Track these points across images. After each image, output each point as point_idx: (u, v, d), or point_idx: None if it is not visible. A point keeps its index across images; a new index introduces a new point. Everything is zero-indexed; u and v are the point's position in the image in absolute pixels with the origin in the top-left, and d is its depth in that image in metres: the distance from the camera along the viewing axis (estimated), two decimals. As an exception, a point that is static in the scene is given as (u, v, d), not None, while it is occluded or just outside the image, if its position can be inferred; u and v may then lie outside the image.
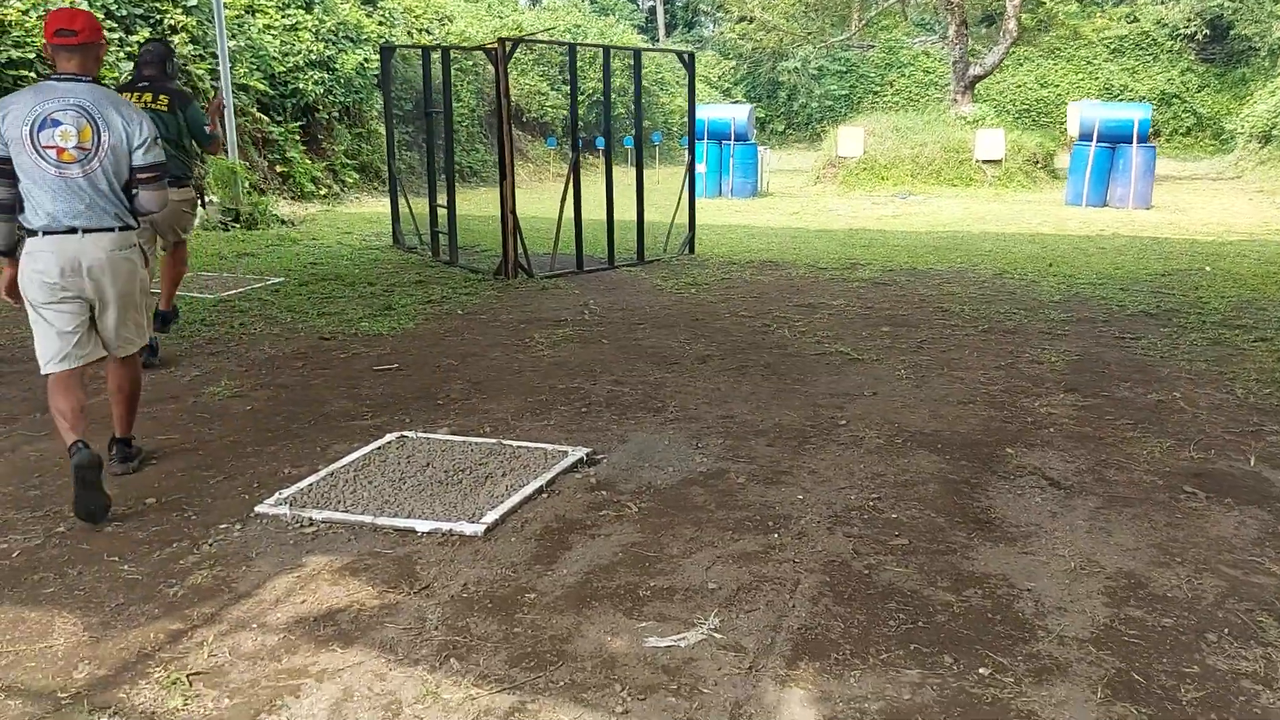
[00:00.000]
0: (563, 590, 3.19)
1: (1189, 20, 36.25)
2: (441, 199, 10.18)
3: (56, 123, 3.76)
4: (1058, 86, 38.95)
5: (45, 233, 3.80)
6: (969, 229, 13.66)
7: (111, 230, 3.89)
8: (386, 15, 18.73)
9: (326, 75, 16.00)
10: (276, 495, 3.92)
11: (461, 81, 20.80)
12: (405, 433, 4.69)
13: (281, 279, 8.99)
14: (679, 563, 3.39)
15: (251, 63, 14.56)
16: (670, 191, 10.68)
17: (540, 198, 17.21)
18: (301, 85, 15.44)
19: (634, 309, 7.96)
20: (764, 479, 4.18)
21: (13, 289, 3.99)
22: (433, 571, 3.33)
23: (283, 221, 12.76)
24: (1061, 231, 13.32)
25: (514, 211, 9.13)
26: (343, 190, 16.11)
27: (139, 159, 3.92)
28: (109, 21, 12.61)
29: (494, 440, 4.59)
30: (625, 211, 10.04)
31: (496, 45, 8.90)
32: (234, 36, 13.39)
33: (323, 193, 15.50)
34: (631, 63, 10.66)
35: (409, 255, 10.64)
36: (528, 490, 3.94)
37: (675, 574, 3.30)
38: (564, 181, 9.66)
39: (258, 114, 14.62)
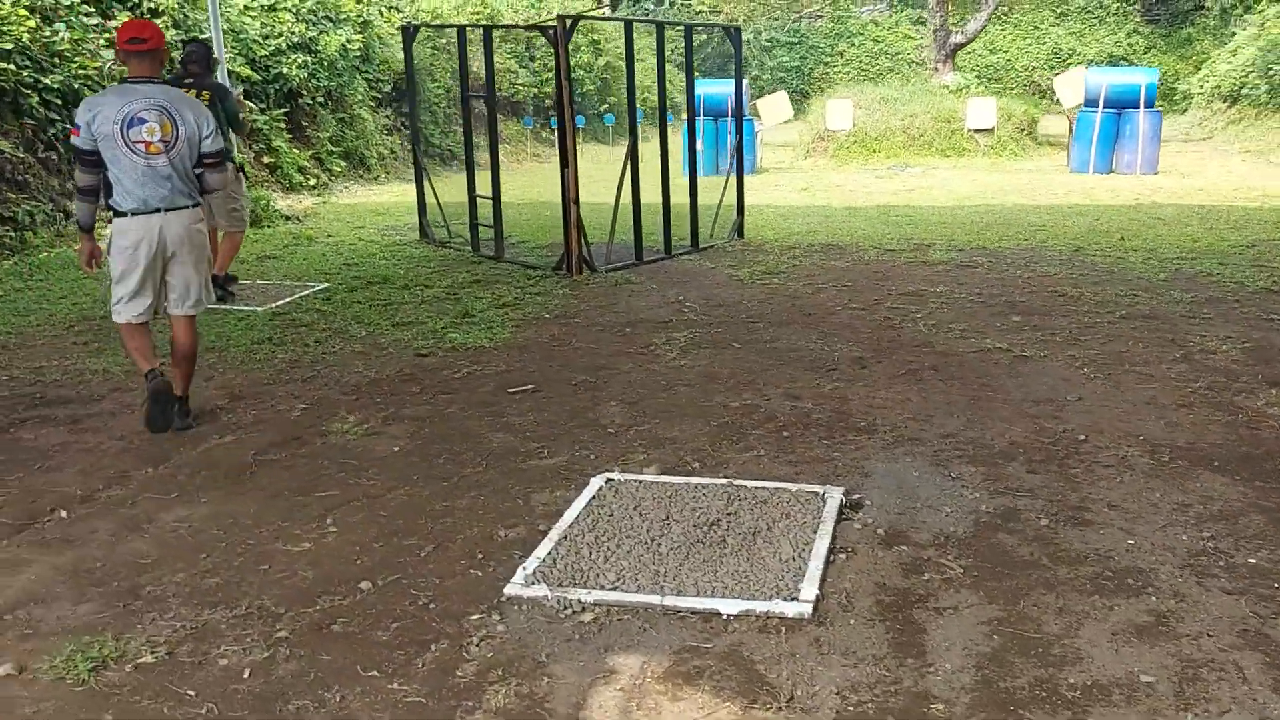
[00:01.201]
0: (969, 698, 2.59)
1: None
2: (482, 188, 9.44)
3: (143, 120, 4.43)
4: (1006, 52, 38.79)
5: (134, 213, 4.56)
6: (998, 201, 13.21)
7: (187, 208, 4.67)
8: (363, -8, 17.70)
9: (309, 58, 15.02)
10: (520, 571, 3.26)
11: (436, 60, 19.86)
12: (610, 475, 4.03)
13: (325, 284, 8.20)
14: (1072, 645, 2.81)
15: (233, 47, 13.54)
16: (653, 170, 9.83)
17: (520, 179, 16.52)
18: (285, 69, 14.45)
19: (731, 304, 7.34)
20: (1067, 518, 3.61)
21: (92, 260, 4.81)
22: (784, 674, 2.70)
23: (286, 218, 11.87)
24: (1096, 201, 12.93)
25: (577, 201, 8.43)
26: (330, 180, 15.17)
27: (205, 147, 4.66)
28: (85, 5, 11.56)
29: (721, 481, 3.95)
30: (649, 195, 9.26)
31: (556, 23, 8.16)
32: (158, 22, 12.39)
33: (311, 183, 14.56)
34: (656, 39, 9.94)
35: (445, 250, 9.87)
36: (820, 550, 3.31)
37: (1082, 662, 2.72)
38: (621, 164, 8.96)
39: (242, 100, 13.62)
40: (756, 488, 3.85)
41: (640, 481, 3.95)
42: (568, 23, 8.18)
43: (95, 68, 11.04)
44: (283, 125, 14.49)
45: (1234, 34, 35.68)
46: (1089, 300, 7.15)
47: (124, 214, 4.57)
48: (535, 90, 24.70)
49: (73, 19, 11.18)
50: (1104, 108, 16.58)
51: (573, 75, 26.58)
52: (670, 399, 5.12)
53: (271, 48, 14.32)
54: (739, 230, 10.42)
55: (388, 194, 15.31)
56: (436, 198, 10.37)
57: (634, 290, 7.94)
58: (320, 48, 15.27)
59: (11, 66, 10.01)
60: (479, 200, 9.60)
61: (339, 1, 16.29)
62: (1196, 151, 21.22)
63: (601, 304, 7.46)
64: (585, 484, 3.97)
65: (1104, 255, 8.92)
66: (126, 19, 11.21)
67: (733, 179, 10.39)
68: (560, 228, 8.83)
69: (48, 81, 10.41)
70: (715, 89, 18.94)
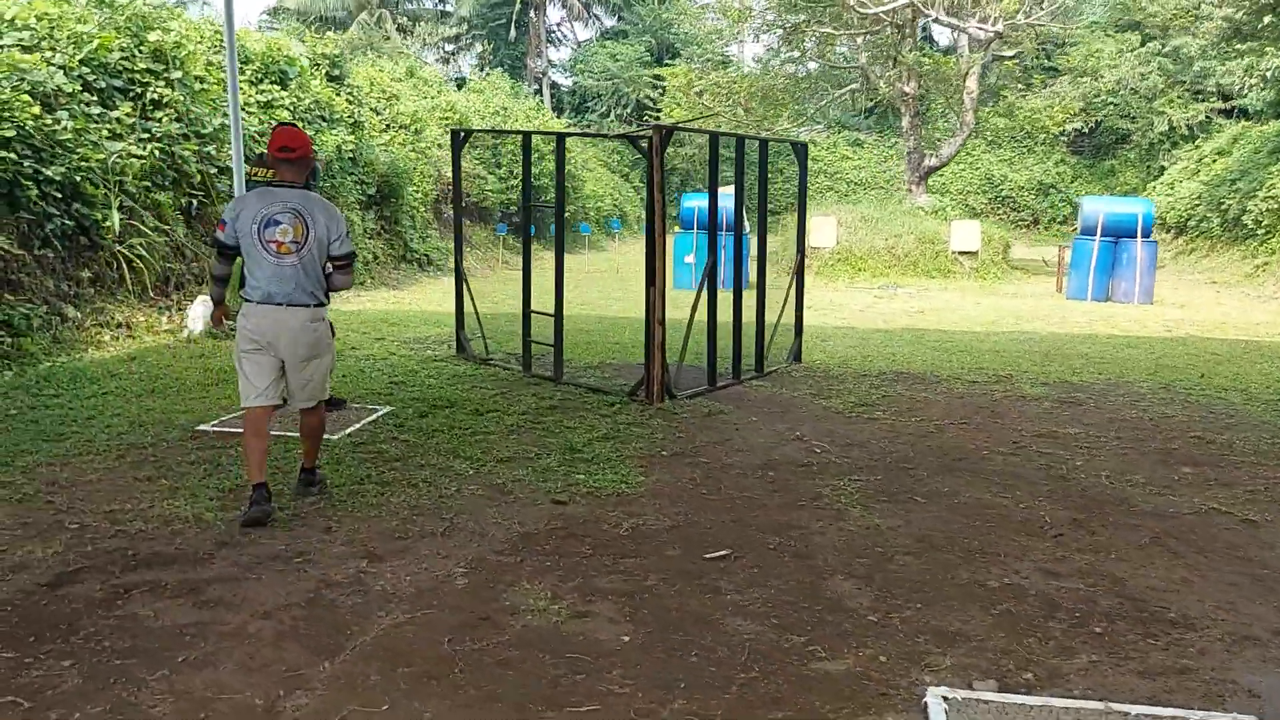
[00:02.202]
0: None
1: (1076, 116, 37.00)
2: (539, 303, 8.72)
3: (277, 222, 4.84)
4: (940, 176, 39.68)
5: (259, 303, 4.89)
6: (1027, 328, 12.93)
7: (307, 306, 4.95)
8: (354, 93, 17.09)
9: (305, 157, 14.25)
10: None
11: (413, 164, 19.26)
12: (943, 692, 3.27)
13: (388, 408, 7.35)
14: None
15: (227, 142, 12.73)
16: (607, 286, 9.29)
17: (494, 288, 15.81)
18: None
19: (861, 444, 6.68)
20: None
21: (219, 320, 5.44)
22: None
23: (297, 326, 10.93)
24: (1127, 331, 12.73)
25: (663, 322, 7.76)
26: (321, 285, 14.27)
27: (335, 249, 5.02)
28: (86, 94, 10.70)
29: (1096, 704, 3.22)
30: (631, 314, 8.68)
31: (651, 133, 7.60)
32: (164, 118, 11.57)
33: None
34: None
35: (490, 369, 9.07)
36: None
37: None
38: (700, 281, 8.35)
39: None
40: (1149, 716, 3.12)
41: (990, 704, 3.19)
42: (664, 132, 7.62)
43: (99, 160, 10.14)
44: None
45: (1163, 168, 37.14)
46: (1240, 449, 6.67)
47: (250, 301, 4.93)
48: (504, 196, 24.19)
49: (74, 108, 10.30)
50: (1101, 236, 16.62)
51: (536, 183, 26.25)
52: (906, 573, 4.39)
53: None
54: (797, 354, 9.85)
55: (383, 301, 14.48)
56: (475, 309, 9.61)
57: (734, 423, 7.25)
58: (316, 148, 14.50)
59: (12, 155, 9.09)
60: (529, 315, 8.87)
61: (332, 101, 15.62)
62: (1162, 281, 21.53)
63: (714, 440, 6.74)
64: (915, 703, 3.21)
65: (1197, 393, 8.53)
66: (124, 108, 10.41)
67: (792, 298, 9.85)
68: (599, 348, 8.11)
69: (49, 173, 9.49)
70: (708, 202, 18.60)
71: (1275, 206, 21.16)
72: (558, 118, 37.25)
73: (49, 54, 10.52)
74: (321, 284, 5.01)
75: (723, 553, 4.57)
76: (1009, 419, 7.50)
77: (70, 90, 10.41)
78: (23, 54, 10.27)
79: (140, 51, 11.52)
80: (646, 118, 41.39)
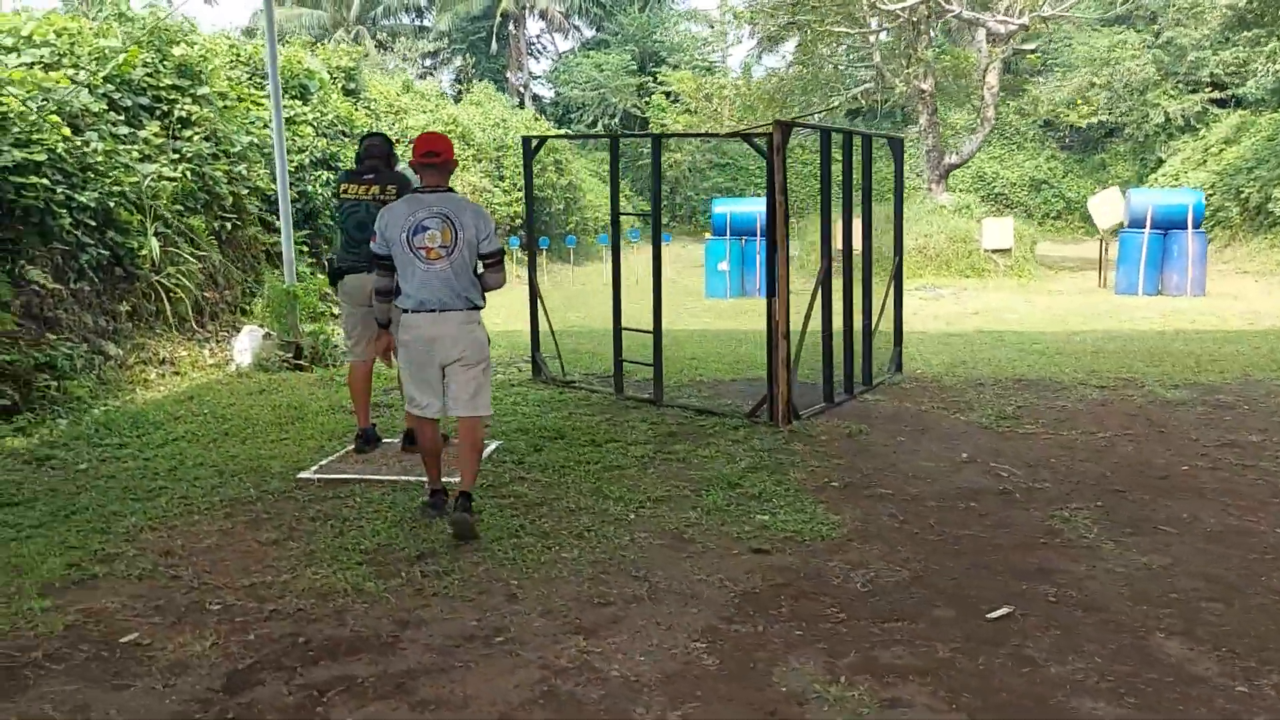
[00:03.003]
0: None
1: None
2: (634, 319, 8.03)
3: (426, 228, 4.82)
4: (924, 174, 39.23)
5: (414, 311, 4.88)
6: (1103, 327, 12.40)
7: (461, 310, 4.89)
8: (370, 107, 16.32)
9: (330, 174, 13.49)
10: None
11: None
12: None
13: (496, 441, 6.63)
14: None
15: (255, 161, 11.96)
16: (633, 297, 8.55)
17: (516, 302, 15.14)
18: (308, 187, 12.89)
19: (1037, 464, 6.04)
20: None
21: (388, 353, 5.33)
22: None
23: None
24: (1212, 326, 12.19)
25: (787, 336, 7.09)
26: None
27: (484, 248, 4.94)
28: (111, 113, 9.90)
29: None
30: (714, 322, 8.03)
31: (773, 129, 6.94)
32: (195, 137, 10.76)
33: (335, 311, 12.86)
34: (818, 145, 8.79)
35: (576, 392, 8.36)
36: None
37: None
38: (813, 287, 7.69)
39: (266, 216, 12.02)
40: None
41: None
42: (785, 129, 6.95)
43: (132, 184, 9.35)
44: (305, 248, 12.85)
45: (1160, 160, 36.84)
46: None
47: (406, 311, 4.91)
48: (508, 208, 23.45)
49: (102, 128, 9.51)
50: (1150, 228, 16.11)
51: (539, 194, 25.53)
52: (1229, 625, 3.74)
53: (294, 163, 12.77)
54: (898, 363, 9.20)
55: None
56: (552, 329, 8.89)
57: (883, 445, 6.59)
58: (340, 164, 13.76)
59: (44, 181, 8.28)
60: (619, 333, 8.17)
61: (351, 116, 14.86)
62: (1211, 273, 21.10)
63: (877, 466, 6.06)
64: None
65: (1342, 390, 7.95)
66: (151, 127, 9.67)
67: (889, 305, 9.21)
68: (673, 364, 7.38)
69: (82, 199, 8.69)
70: (746, 207, 18.02)
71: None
72: (552, 127, 36.41)
73: (72, 71, 9.72)
74: (475, 286, 4.95)
75: (1004, 611, 3.89)
76: (1172, 428, 6.88)
77: (97, 110, 9.62)
78: (43, 72, 9.47)
79: (164, 67, 10.72)
80: (646, 122, 40.84)
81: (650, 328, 7.84)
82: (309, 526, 5.06)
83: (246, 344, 9.50)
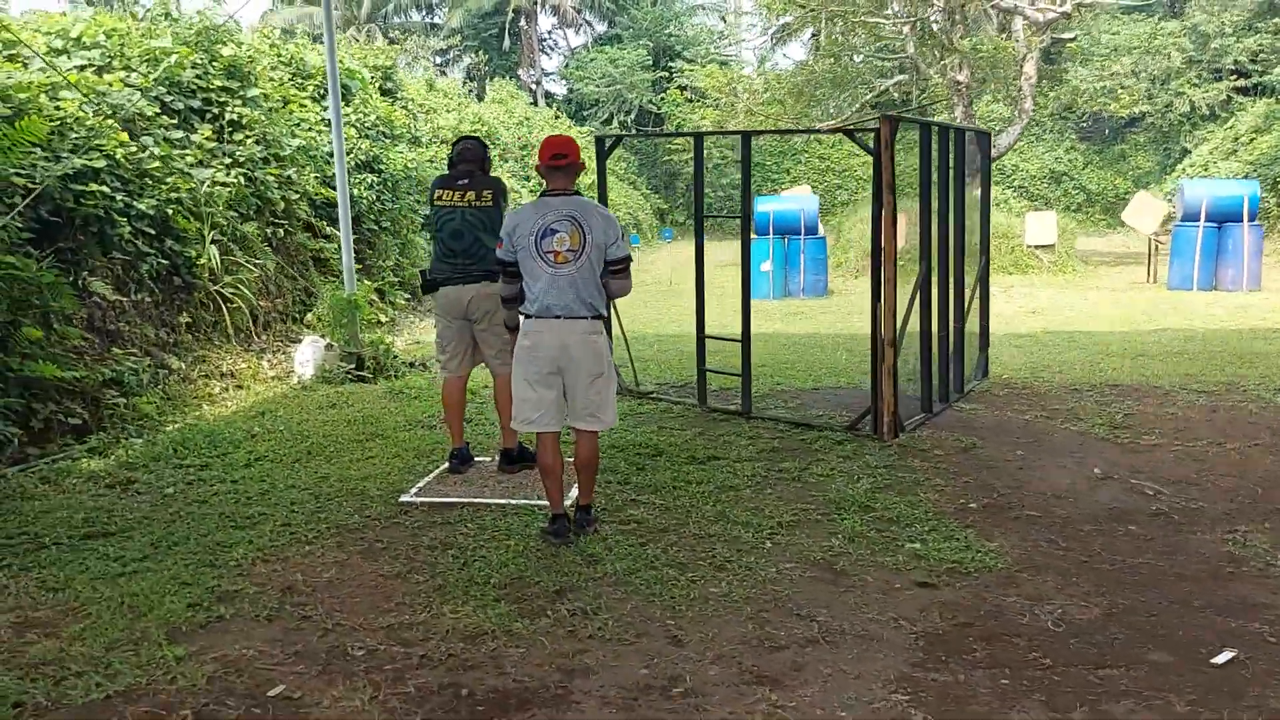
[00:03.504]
0: None
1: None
2: (762, 326, 7.73)
3: (554, 231, 4.71)
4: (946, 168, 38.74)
5: (536, 317, 4.77)
6: (1175, 325, 12.08)
7: (585, 318, 4.76)
8: (408, 107, 16.03)
9: (374, 177, 13.19)
10: None
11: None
12: None
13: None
14: None
15: (303, 164, 11.66)
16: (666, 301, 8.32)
17: None
18: (354, 190, 12.58)
19: (1180, 480, 5.73)
20: None
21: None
22: None
23: (410, 364, 9.90)
24: (1276, 324, 11.84)
25: (893, 344, 6.79)
26: (397, 315, 13.21)
27: (612, 254, 4.79)
28: (163, 116, 9.61)
29: None
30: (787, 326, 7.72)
31: (880, 124, 6.63)
32: (249, 140, 10.44)
33: (381, 319, 12.58)
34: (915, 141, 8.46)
35: (656, 403, 8.07)
36: None
37: None
38: (911, 289, 7.38)
39: (314, 222, 11.72)
40: None
41: None
42: (893, 124, 6.64)
43: (189, 189, 9.06)
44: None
45: (1185, 149, 36.42)
46: None
47: (529, 316, 4.80)
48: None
49: (157, 132, 9.22)
50: (1205, 222, 15.77)
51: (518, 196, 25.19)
52: None
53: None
54: (984, 369, 8.89)
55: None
56: (625, 337, 8.57)
57: (1006, 460, 6.28)
58: (384, 166, 13.46)
59: (104, 189, 7.99)
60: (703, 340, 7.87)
61: (390, 116, 14.56)
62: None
63: (1011, 484, 5.77)
64: None
65: None
66: (205, 131, 9.39)
67: (975, 306, 8.89)
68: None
69: (141, 206, 8.40)
70: (784, 205, 17.68)
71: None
72: (573, 126, 36.06)
73: (124, 74, 9.42)
74: (600, 293, 4.82)
75: (1227, 655, 3.58)
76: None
77: (150, 114, 9.33)
78: (97, 75, 9.19)
79: (213, 68, 10.43)
80: (662, 119, 40.50)
81: (706, 333, 7.55)
82: (428, 557, 4.77)
83: (309, 355, 9.21)
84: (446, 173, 6.20)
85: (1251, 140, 29.11)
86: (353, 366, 9.28)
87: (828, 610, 4.08)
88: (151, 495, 5.83)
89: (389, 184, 13.40)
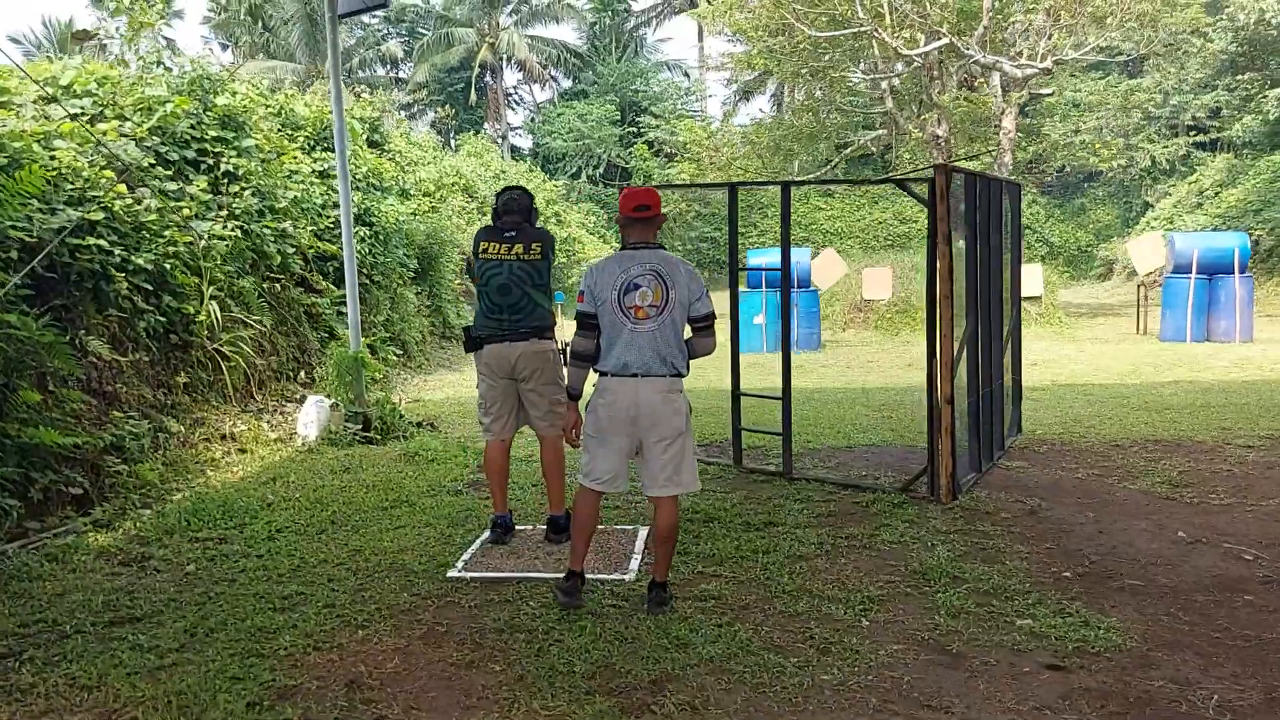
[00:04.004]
0: None
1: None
2: (760, 381, 7.41)
3: (637, 285, 4.47)
4: (915, 222, 39.01)
5: (613, 375, 4.50)
6: (1183, 377, 11.97)
7: (664, 376, 4.48)
8: (395, 159, 15.69)
9: (366, 230, 12.80)
10: None
11: (448, 233, 17.77)
12: None
13: (642, 526, 5.96)
14: None
15: (296, 218, 11.25)
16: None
17: None
18: (330, 245, 12.19)
19: (1270, 544, 5.43)
20: None
21: (574, 431, 4.79)
22: None
23: (418, 424, 9.46)
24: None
25: (951, 402, 6.49)
26: (390, 372, 12.75)
27: (696, 310, 4.56)
28: (158, 167, 9.18)
29: None
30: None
31: (935, 174, 6.39)
32: (247, 192, 10.05)
33: (376, 377, 12.11)
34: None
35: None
36: None
37: None
38: (959, 349, 7.09)
39: (306, 274, 11.29)
40: None
41: None
42: (947, 174, 6.41)
43: (187, 242, 8.63)
44: (342, 310, 12.10)
45: (1147, 203, 36.96)
46: None
47: (604, 374, 4.56)
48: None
49: (153, 184, 8.80)
50: (1196, 273, 15.79)
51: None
52: None
53: (332, 219, 12.08)
54: (1018, 424, 8.63)
55: (452, 386, 12.98)
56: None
57: (1078, 524, 5.98)
58: (375, 219, 13.08)
59: (102, 243, 7.55)
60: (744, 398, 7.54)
61: (379, 168, 14.21)
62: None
63: (1096, 550, 5.45)
64: None
65: None
66: (200, 182, 8.97)
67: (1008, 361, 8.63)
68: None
69: (139, 261, 7.95)
70: (776, 259, 17.43)
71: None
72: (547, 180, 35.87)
73: (117, 123, 9.01)
74: (681, 351, 4.56)
75: None
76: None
77: (145, 164, 8.91)
78: (90, 125, 8.76)
79: (208, 118, 10.03)
80: (629, 173, 40.47)
81: (741, 389, 7.23)
82: (496, 642, 4.35)
83: (313, 416, 8.75)
84: (490, 224, 5.84)
85: (1217, 194, 29.56)
86: (360, 427, 8.83)
87: (959, 699, 3.72)
88: (172, 573, 5.36)
89: (380, 237, 13.00)
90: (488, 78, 47.49)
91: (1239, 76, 28.81)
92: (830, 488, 6.92)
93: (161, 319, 8.26)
